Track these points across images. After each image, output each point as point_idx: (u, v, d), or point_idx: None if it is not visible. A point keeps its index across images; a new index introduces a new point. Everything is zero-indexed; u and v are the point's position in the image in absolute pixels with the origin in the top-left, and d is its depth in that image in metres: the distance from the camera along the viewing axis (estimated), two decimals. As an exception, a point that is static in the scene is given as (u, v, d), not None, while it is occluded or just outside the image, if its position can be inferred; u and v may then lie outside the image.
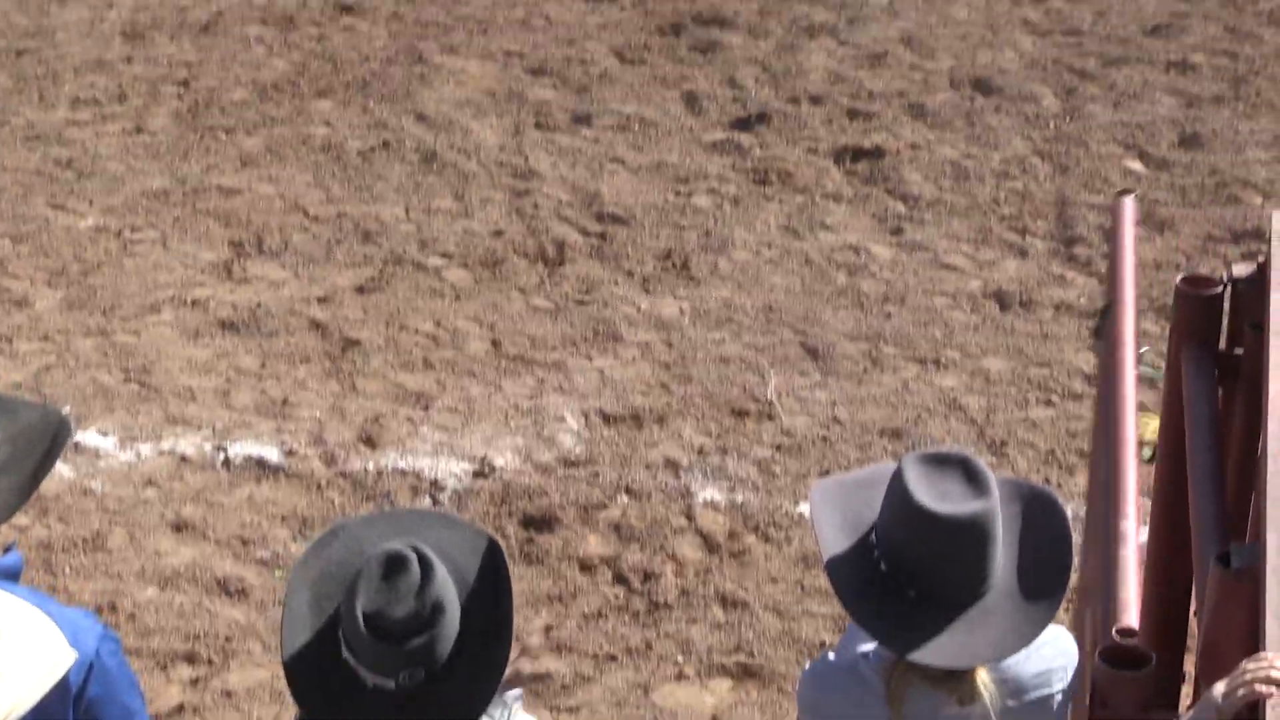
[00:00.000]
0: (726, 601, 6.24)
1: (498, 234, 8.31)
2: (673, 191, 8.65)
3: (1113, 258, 5.09)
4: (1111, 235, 5.11)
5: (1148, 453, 4.72)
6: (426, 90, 9.56)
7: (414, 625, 2.82)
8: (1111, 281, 5.27)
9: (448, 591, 2.86)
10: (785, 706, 5.92)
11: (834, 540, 3.09)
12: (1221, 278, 3.87)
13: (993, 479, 3.05)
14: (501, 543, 6.49)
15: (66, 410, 7.15)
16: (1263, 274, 3.81)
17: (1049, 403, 7.16)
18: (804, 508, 6.48)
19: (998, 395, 7.23)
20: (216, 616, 6.17)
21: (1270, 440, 3.31)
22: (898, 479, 3.02)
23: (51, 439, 3.25)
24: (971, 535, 2.97)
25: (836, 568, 3.06)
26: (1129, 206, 5.01)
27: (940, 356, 7.47)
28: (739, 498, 6.62)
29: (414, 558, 2.84)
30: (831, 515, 3.12)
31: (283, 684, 3.09)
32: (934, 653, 2.98)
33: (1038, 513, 3.13)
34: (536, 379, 7.36)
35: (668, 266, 8.07)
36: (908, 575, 2.99)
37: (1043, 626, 3.05)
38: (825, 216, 8.42)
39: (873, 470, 3.23)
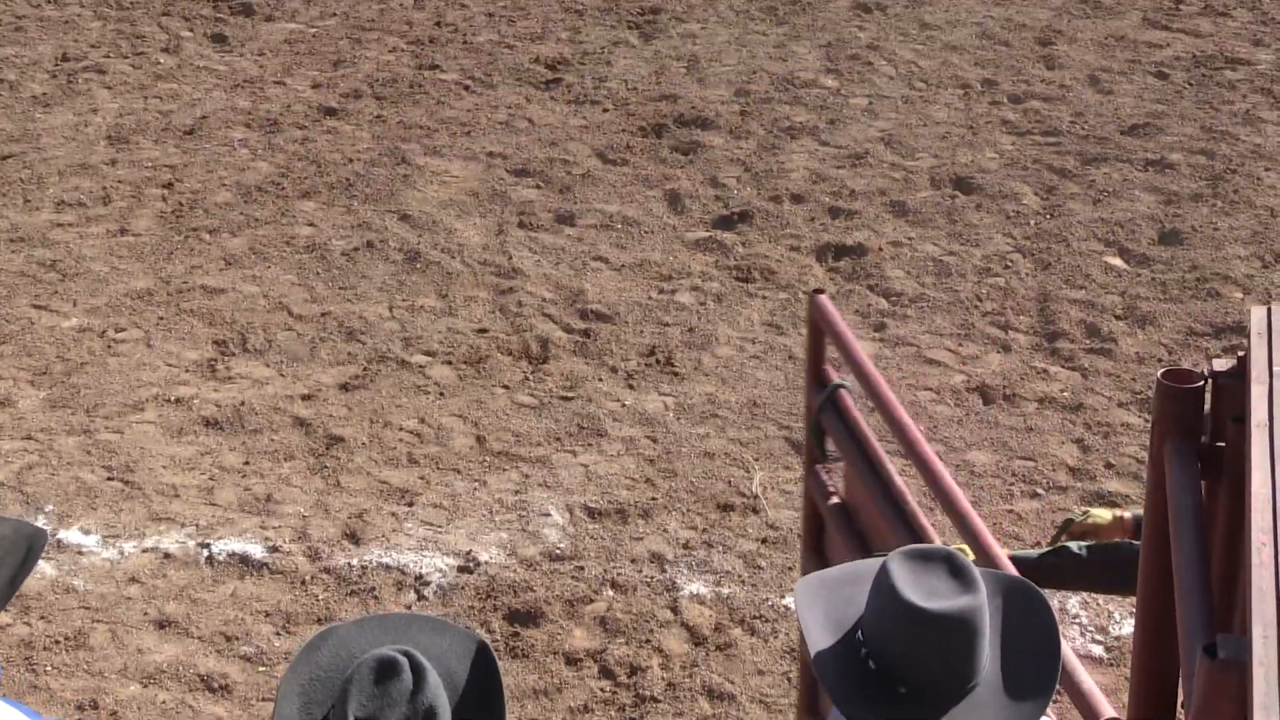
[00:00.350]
0: (713, 694, 6.22)
1: (482, 332, 8.33)
2: (656, 289, 8.69)
3: (841, 349, 5.16)
4: (827, 328, 5.19)
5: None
6: (410, 191, 9.61)
7: None
8: (812, 372, 5.29)
9: (440, 697, 2.84)
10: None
11: (820, 638, 3.08)
12: (1203, 372, 3.89)
13: (978, 573, 3.05)
14: (487, 638, 6.48)
15: (48, 508, 7.13)
16: (1243, 368, 3.83)
17: (1034, 495, 7.17)
18: (790, 600, 6.48)
19: (982, 488, 7.24)
20: (200, 714, 6.13)
21: (1254, 531, 3.32)
22: (884, 577, 3.01)
23: (26, 551, 3.29)
24: (961, 630, 2.97)
25: (824, 663, 3.05)
26: (828, 302, 5.15)
27: (924, 452, 7.48)
28: (725, 591, 6.61)
29: (406, 663, 2.82)
30: (815, 613, 3.11)
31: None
32: None
33: (1020, 605, 3.12)
34: (521, 474, 7.36)
35: (651, 363, 8.10)
36: (897, 672, 2.98)
37: (1038, 717, 3.05)
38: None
39: (855, 566, 3.22)
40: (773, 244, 9.05)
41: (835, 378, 5.24)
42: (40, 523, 7.05)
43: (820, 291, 5.23)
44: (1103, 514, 4.77)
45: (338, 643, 2.95)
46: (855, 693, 3.00)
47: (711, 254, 8.99)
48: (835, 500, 5.16)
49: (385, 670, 2.81)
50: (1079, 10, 11.74)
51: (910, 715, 2.98)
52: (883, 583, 3.01)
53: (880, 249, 8.95)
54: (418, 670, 2.82)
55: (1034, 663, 3.07)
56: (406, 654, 2.83)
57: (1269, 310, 3.99)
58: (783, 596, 6.61)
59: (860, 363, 5.09)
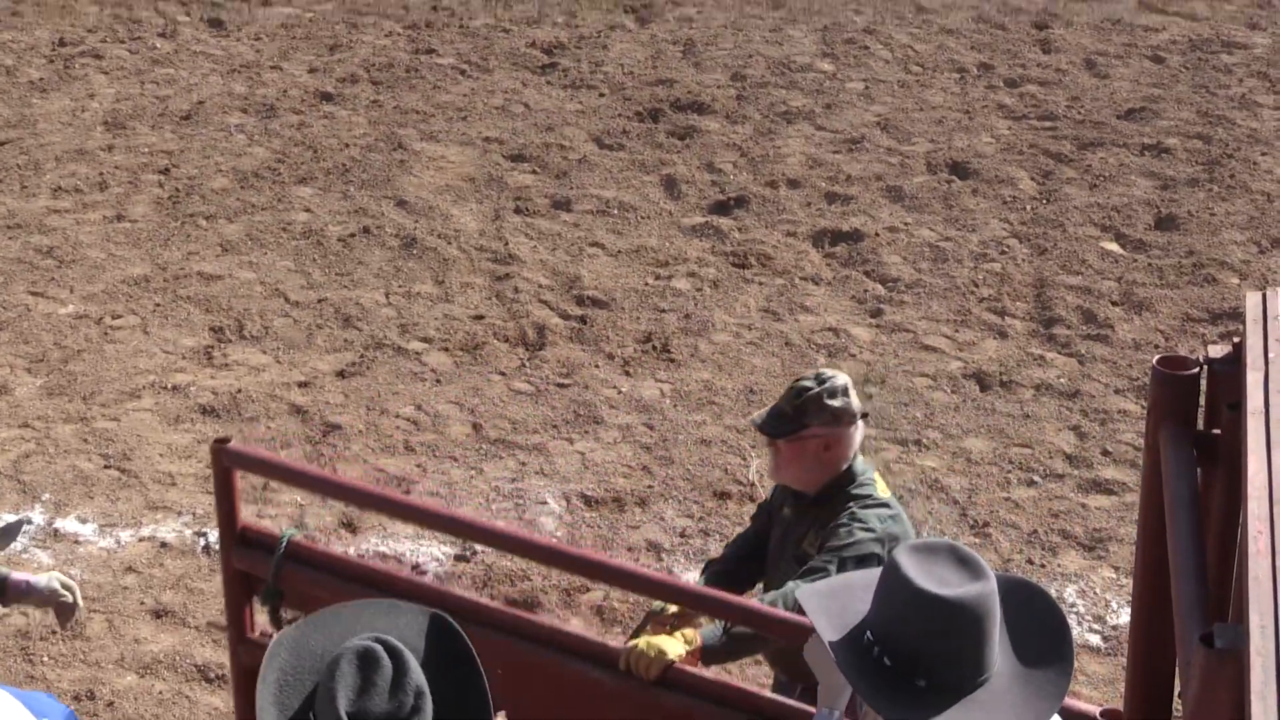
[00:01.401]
0: (709, 685, 6.21)
1: (478, 318, 8.32)
2: (652, 275, 8.68)
3: (284, 477, 4.86)
4: (254, 469, 4.77)
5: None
6: (406, 176, 9.60)
7: (401, 715, 2.79)
8: (231, 537, 4.83)
9: (422, 676, 2.84)
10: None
11: (833, 636, 3.09)
12: (1199, 358, 3.88)
13: (984, 561, 3.06)
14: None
15: (45, 496, 7.13)
16: (1239, 354, 3.82)
17: (1031, 483, 7.16)
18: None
19: (979, 476, 7.23)
20: (196, 704, 6.12)
21: (1250, 519, 3.32)
22: (894, 572, 3.01)
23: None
24: (978, 616, 2.97)
25: (844, 660, 3.05)
26: (241, 445, 4.77)
27: (921, 437, 7.48)
28: (721, 580, 6.60)
29: (383, 650, 2.81)
30: (821, 619, 3.12)
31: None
32: None
33: (1022, 597, 3.13)
34: (518, 462, 7.35)
35: (648, 349, 8.09)
36: (914, 665, 2.98)
37: (1058, 703, 3.05)
38: (805, 299, 8.46)
39: (845, 577, 3.25)
40: (769, 230, 9.04)
41: (278, 530, 4.97)
42: (37, 511, 7.05)
43: (224, 441, 4.65)
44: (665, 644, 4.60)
45: (293, 644, 2.93)
46: (879, 690, 3.00)
47: (708, 240, 8.98)
48: None
49: (366, 661, 2.80)
50: (1076, -6, 11.73)
51: (933, 706, 2.98)
52: (894, 577, 3.01)
53: (877, 234, 8.94)
54: (396, 656, 2.82)
55: (1049, 650, 3.08)
56: (381, 641, 2.82)
57: (1264, 296, 3.98)
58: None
59: (317, 474, 4.92)
